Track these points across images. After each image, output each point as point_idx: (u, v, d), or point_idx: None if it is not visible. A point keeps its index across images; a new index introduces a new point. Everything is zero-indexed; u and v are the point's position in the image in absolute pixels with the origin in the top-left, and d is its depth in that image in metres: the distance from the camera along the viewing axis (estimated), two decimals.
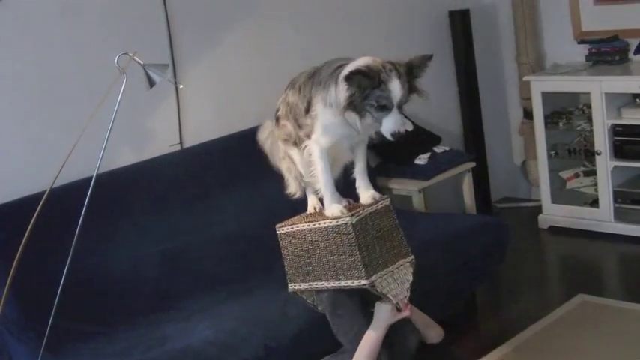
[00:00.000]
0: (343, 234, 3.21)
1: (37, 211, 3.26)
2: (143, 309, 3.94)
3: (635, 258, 5.26)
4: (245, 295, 3.97)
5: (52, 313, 3.25)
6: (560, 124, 5.80)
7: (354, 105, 2.97)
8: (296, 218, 3.47)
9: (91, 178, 3.44)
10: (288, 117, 3.31)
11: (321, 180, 3.25)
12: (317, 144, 3.18)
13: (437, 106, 5.91)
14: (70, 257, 3.42)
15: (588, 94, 5.52)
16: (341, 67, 3.05)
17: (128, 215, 4.17)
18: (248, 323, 3.66)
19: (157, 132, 4.53)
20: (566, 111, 5.86)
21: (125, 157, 4.35)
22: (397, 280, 3.27)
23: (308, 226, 3.34)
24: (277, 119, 3.43)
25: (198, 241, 4.27)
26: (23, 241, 3.22)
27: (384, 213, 3.31)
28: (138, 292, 4.03)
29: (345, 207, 3.28)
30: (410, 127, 5.28)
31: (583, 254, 5.51)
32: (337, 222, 3.22)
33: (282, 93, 3.39)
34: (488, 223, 4.73)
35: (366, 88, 2.92)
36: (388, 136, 2.99)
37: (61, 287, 3.27)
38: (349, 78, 2.92)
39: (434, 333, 3.48)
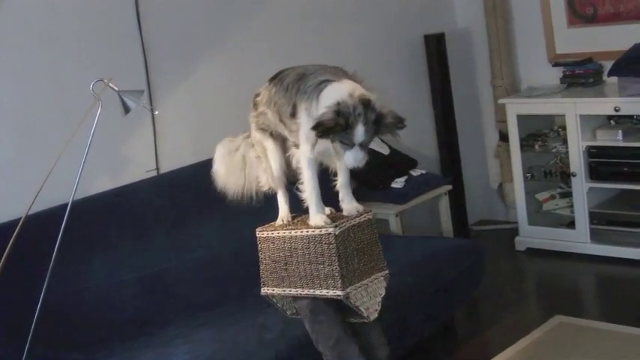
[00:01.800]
0: (325, 244, 3.27)
1: (13, 238, 3.25)
2: (120, 336, 3.92)
3: (612, 279, 5.29)
4: (222, 320, 3.95)
5: (28, 341, 3.23)
6: (536, 147, 5.84)
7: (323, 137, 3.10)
8: (277, 224, 3.51)
9: (67, 204, 3.44)
10: (271, 106, 3.37)
11: (307, 188, 3.32)
12: (304, 154, 3.26)
13: (413, 129, 5.88)
14: (45, 284, 3.41)
15: (563, 116, 5.56)
16: (326, 82, 3.16)
17: (104, 242, 4.15)
18: (225, 348, 3.65)
19: (133, 158, 4.52)
20: (541, 133, 5.90)
21: (101, 183, 4.33)
22: (370, 294, 3.35)
23: (289, 233, 3.40)
24: (255, 104, 3.49)
25: (175, 266, 4.27)
26: None
27: (366, 226, 3.38)
28: (115, 319, 4.01)
29: (328, 216, 3.34)
30: (386, 151, 5.31)
31: (560, 275, 5.53)
32: (320, 231, 3.28)
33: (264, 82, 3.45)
34: (464, 246, 4.75)
35: (332, 133, 3.06)
36: (348, 167, 3.17)
37: (37, 314, 3.26)
38: (316, 128, 3.04)
39: None
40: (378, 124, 3.10)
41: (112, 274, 4.10)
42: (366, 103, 3.07)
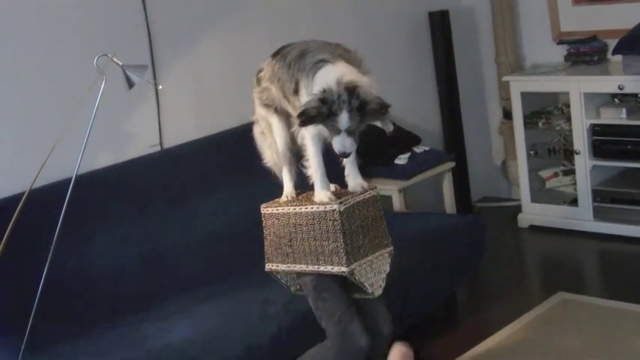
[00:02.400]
0: (329, 220, 3.28)
1: (16, 212, 3.26)
2: (123, 310, 3.94)
3: (614, 256, 5.31)
4: (225, 296, 3.97)
5: (32, 315, 3.25)
6: (540, 124, 5.83)
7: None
8: (282, 200, 3.53)
9: (71, 179, 3.45)
10: (274, 82, 3.39)
11: (312, 164, 3.35)
12: (307, 130, 3.28)
13: (417, 106, 5.94)
14: (49, 258, 3.43)
15: (567, 94, 5.55)
16: (322, 62, 3.18)
17: (108, 216, 4.16)
18: (228, 323, 3.67)
19: (136, 133, 4.53)
20: (545, 111, 5.89)
21: (105, 158, 4.34)
22: (375, 270, 3.37)
23: (294, 209, 3.42)
24: (258, 80, 3.51)
25: (178, 241, 4.28)
26: (2, 242, 3.22)
27: (371, 203, 3.40)
28: (118, 293, 4.03)
29: (333, 193, 3.36)
30: (390, 128, 5.30)
31: (562, 253, 5.54)
32: (325, 208, 3.30)
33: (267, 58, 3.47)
34: (466, 222, 4.76)
35: (315, 121, 3.12)
36: (336, 152, 3.20)
37: (40, 289, 3.28)
38: (300, 116, 3.10)
39: None
40: (362, 110, 3.13)
41: (114, 249, 4.12)
42: (352, 90, 3.09)
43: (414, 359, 3.40)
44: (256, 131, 3.66)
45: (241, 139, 4.54)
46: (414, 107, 5.90)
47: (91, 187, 4.10)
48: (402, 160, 5.24)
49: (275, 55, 3.44)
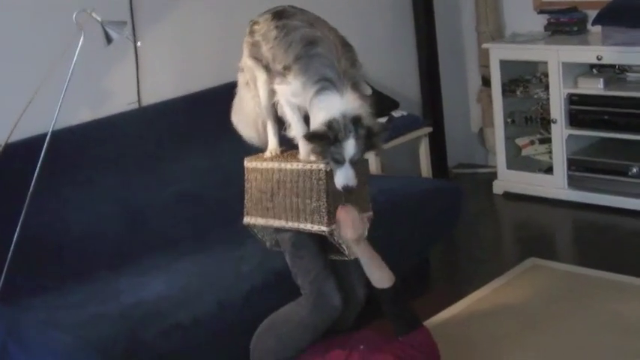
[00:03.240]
0: (314, 179, 3.31)
1: None
2: (98, 265, 3.96)
3: (587, 224, 5.36)
4: (200, 253, 3.99)
5: (5, 268, 3.26)
6: (518, 92, 5.86)
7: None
8: (266, 155, 3.56)
9: (47, 134, 3.45)
10: (267, 44, 3.39)
11: (295, 126, 3.38)
12: (287, 102, 3.34)
13: (396, 71, 5.95)
14: (24, 212, 3.43)
15: (546, 63, 5.58)
16: (328, 83, 3.17)
17: (84, 172, 4.16)
18: (202, 280, 3.70)
19: (114, 90, 4.51)
20: (523, 79, 5.92)
21: (82, 114, 4.33)
22: None
23: (278, 165, 3.45)
24: (252, 32, 3.50)
25: (155, 199, 4.29)
26: None
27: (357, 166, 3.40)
28: (93, 249, 4.04)
29: None
30: (368, 92, 5.30)
31: (536, 220, 5.60)
32: (310, 166, 3.33)
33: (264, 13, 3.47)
34: (442, 186, 4.79)
35: (323, 145, 3.16)
36: (339, 187, 3.22)
37: (14, 243, 3.29)
38: (310, 139, 3.17)
39: (379, 276, 3.49)
40: (370, 137, 3.18)
41: (90, 205, 4.12)
42: (357, 120, 3.14)
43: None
44: (241, 80, 3.66)
45: (220, 98, 4.54)
46: (393, 72, 5.91)
47: (67, 142, 4.10)
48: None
49: (275, 17, 3.41)
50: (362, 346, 3.46)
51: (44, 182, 3.65)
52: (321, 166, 3.29)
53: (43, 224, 3.94)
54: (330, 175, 3.29)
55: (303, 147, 3.38)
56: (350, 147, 3.13)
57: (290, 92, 3.29)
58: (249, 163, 3.59)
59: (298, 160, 3.39)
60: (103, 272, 3.89)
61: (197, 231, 4.25)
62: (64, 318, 3.48)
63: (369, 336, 3.57)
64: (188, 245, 4.12)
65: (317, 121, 3.17)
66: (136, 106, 4.58)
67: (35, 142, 3.77)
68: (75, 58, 3.34)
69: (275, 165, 3.47)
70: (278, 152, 3.58)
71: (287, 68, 3.28)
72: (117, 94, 4.52)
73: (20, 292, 3.67)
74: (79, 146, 4.20)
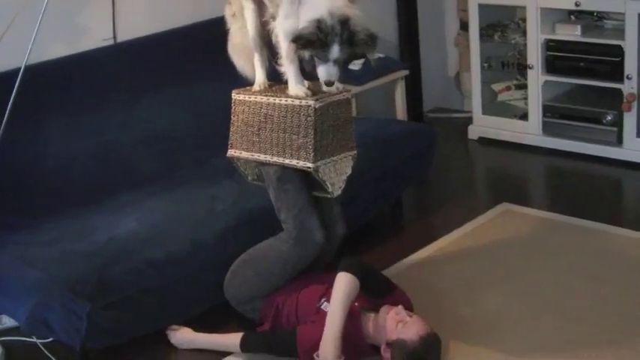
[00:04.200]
0: (303, 115, 3.34)
1: None
2: (71, 202, 3.96)
3: (560, 171, 5.39)
4: (173, 192, 4.00)
5: None
6: (496, 37, 5.85)
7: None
8: (254, 89, 3.56)
9: (20, 68, 3.42)
10: None
11: (286, 60, 3.37)
12: (281, 27, 3.30)
13: (373, 13, 5.86)
14: None
15: (524, 7, 5.56)
16: None
17: (59, 108, 4.14)
18: (176, 218, 3.72)
19: (90, 25, 4.46)
20: (501, 24, 5.90)
21: (57, 49, 4.28)
22: (337, 171, 3.46)
23: (267, 99, 3.46)
24: None
25: (129, 137, 4.28)
26: None
27: (344, 104, 3.46)
28: (66, 186, 4.04)
29: (307, 89, 3.40)
30: (375, 57, 5.28)
31: (510, 165, 5.62)
32: (300, 102, 3.35)
33: None
34: (417, 128, 4.80)
35: (311, 47, 3.14)
36: (320, 81, 3.25)
37: None
38: (297, 41, 3.13)
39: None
40: (351, 42, 3.17)
41: (64, 142, 4.11)
42: (344, 23, 3.12)
43: (359, 262, 3.46)
44: (227, 12, 3.66)
45: (197, 36, 4.54)
46: (370, 14, 5.79)
47: (42, 78, 4.07)
48: (355, 65, 5.24)
49: None
50: None
51: (17, 118, 3.64)
52: (310, 102, 3.31)
53: (16, 161, 3.93)
54: (319, 112, 3.31)
55: (292, 84, 3.39)
56: (335, 51, 3.14)
57: (283, 14, 3.26)
58: (237, 96, 3.59)
59: (287, 96, 3.40)
60: (75, 209, 3.89)
61: (171, 169, 4.25)
62: (37, 255, 3.50)
63: None
64: (162, 183, 4.12)
65: (302, 17, 3.15)
66: (111, 42, 4.54)
67: (8, 76, 3.75)
68: None
69: (264, 99, 3.48)
70: (266, 85, 3.58)
71: None
72: (92, 29, 4.47)
73: None
74: (53, 81, 4.17)
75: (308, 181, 3.51)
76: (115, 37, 4.56)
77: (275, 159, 3.46)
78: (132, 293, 3.38)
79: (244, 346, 3.48)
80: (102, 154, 4.19)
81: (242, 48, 3.65)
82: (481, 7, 5.73)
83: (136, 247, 3.50)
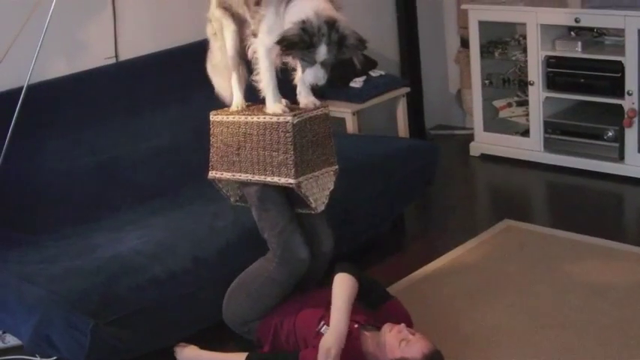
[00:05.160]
0: (281, 131, 3.32)
1: None
2: (73, 219, 3.97)
3: (562, 187, 5.39)
4: (175, 209, 4.01)
5: None
6: (496, 54, 5.87)
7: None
8: (232, 109, 3.55)
9: (22, 87, 3.43)
10: None
11: (264, 77, 3.37)
12: (262, 43, 3.29)
13: (374, 30, 5.92)
14: None
15: (524, 24, 5.58)
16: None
17: (60, 126, 4.15)
18: (177, 235, 3.72)
19: (91, 44, 4.48)
20: (502, 41, 5.92)
21: (59, 68, 4.30)
22: (320, 186, 3.44)
23: (245, 118, 3.46)
24: None
25: (130, 154, 4.29)
26: None
27: (322, 120, 3.44)
28: (68, 203, 4.05)
29: (285, 106, 3.39)
30: (360, 62, 5.30)
31: (511, 182, 5.62)
32: (278, 119, 3.34)
33: None
34: (418, 145, 4.80)
35: (296, 49, 3.12)
36: (306, 84, 3.27)
37: None
38: (281, 42, 3.10)
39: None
40: (341, 45, 3.15)
41: (66, 159, 4.12)
42: (331, 24, 3.11)
43: (355, 266, 3.46)
44: (209, 31, 3.66)
45: (198, 54, 4.52)
46: (371, 31, 5.84)
47: (44, 96, 4.09)
48: (357, 83, 5.26)
49: None
50: None
51: (20, 137, 3.66)
52: (288, 118, 3.30)
53: (18, 178, 3.94)
54: (297, 127, 3.30)
55: (270, 102, 3.38)
56: (322, 52, 3.12)
57: (266, 29, 3.24)
58: (214, 117, 3.60)
59: (265, 113, 3.40)
60: (76, 226, 3.91)
61: (172, 186, 4.26)
62: (39, 272, 3.50)
63: None
64: (163, 200, 4.14)
65: (288, 19, 3.13)
66: (113, 60, 4.56)
67: (11, 95, 3.76)
68: (51, 9, 3.32)
69: (241, 118, 3.48)
70: (244, 106, 3.57)
71: (257, 3, 3.25)
72: (94, 48, 4.49)
73: None
74: (56, 100, 4.18)
75: (291, 198, 3.50)
76: (116, 56, 4.58)
77: (256, 177, 3.45)
78: (135, 310, 3.38)
79: None
80: (103, 172, 4.20)
81: (222, 68, 3.63)
82: (481, 24, 5.76)
83: (138, 264, 3.50)
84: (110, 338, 3.29)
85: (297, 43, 3.09)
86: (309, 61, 3.15)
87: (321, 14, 3.10)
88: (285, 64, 3.40)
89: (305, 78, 3.22)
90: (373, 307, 3.51)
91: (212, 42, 3.65)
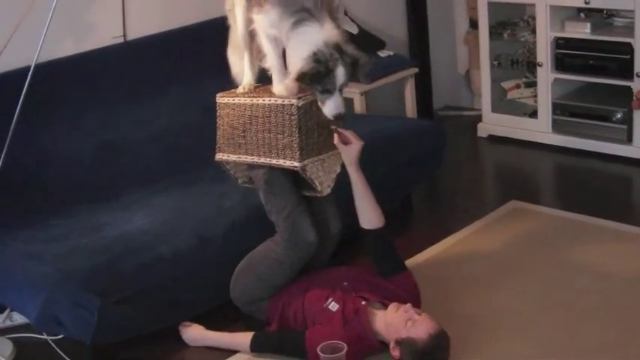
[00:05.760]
0: (286, 114, 3.30)
1: None
2: (80, 199, 3.98)
3: (569, 169, 5.39)
4: (181, 189, 4.02)
5: None
6: (505, 35, 5.85)
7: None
8: (239, 91, 3.53)
9: (30, 67, 3.43)
10: None
11: (270, 58, 3.34)
12: (260, 28, 3.27)
13: (383, 10, 5.92)
14: (6, 145, 3.44)
15: (533, 5, 5.55)
16: (306, 14, 3.13)
17: (68, 106, 4.15)
18: (183, 214, 3.73)
19: (99, 23, 4.47)
20: (511, 22, 5.90)
21: (66, 47, 4.29)
22: (325, 169, 3.43)
23: (251, 100, 3.43)
24: None
25: (138, 134, 4.29)
26: None
27: None
28: (75, 183, 4.05)
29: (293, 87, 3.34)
30: (355, 30, 5.29)
31: (519, 163, 5.62)
32: (283, 101, 3.32)
33: None
34: (426, 126, 4.79)
35: (318, 79, 3.12)
36: (330, 117, 3.20)
37: None
38: (302, 79, 3.11)
39: (370, 216, 3.56)
40: (355, 65, 3.17)
41: (73, 139, 4.12)
42: (340, 48, 3.12)
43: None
44: (226, 7, 3.61)
45: (206, 35, 4.55)
46: (380, 11, 5.88)
47: (51, 76, 4.07)
48: None
49: None
50: (345, 283, 3.51)
51: (27, 116, 3.66)
52: (293, 101, 3.28)
53: (26, 158, 3.95)
54: (302, 110, 3.28)
55: (277, 82, 3.36)
56: (340, 74, 3.12)
57: (267, 22, 3.23)
58: (220, 99, 3.58)
59: (271, 95, 3.37)
60: (84, 206, 3.92)
61: (179, 166, 4.26)
62: (46, 251, 3.52)
63: (352, 273, 3.62)
64: (170, 180, 4.14)
65: (298, 55, 3.13)
66: (121, 40, 4.54)
67: (18, 75, 3.76)
68: None
69: (247, 100, 3.45)
70: (252, 88, 3.55)
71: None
72: (102, 27, 4.47)
73: (4, 225, 3.69)
74: (64, 79, 4.18)
75: (298, 181, 3.50)
76: (125, 35, 4.57)
77: (262, 160, 3.44)
78: (141, 288, 3.40)
79: (254, 346, 3.49)
80: (110, 152, 4.21)
81: (236, 46, 3.62)
82: (490, 5, 5.73)
83: (145, 243, 3.52)
84: (117, 317, 3.32)
85: (318, 74, 3.09)
86: (330, 89, 3.14)
87: (329, 42, 3.11)
88: None
89: (327, 111, 3.18)
90: (385, 275, 3.51)
91: (230, 19, 3.61)
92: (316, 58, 3.09)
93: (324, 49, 3.10)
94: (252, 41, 3.48)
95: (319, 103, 3.21)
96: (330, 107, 3.17)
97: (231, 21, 3.61)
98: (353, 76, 3.22)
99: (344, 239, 3.77)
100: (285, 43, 3.20)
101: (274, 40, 3.28)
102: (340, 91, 3.17)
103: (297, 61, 3.13)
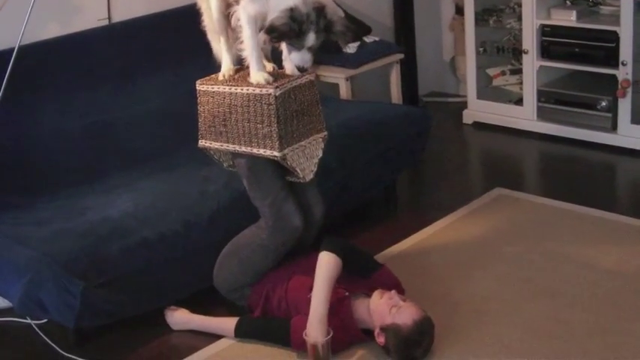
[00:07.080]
0: (264, 104, 3.28)
1: None
2: (65, 182, 3.96)
3: (554, 156, 5.39)
4: (166, 172, 4.00)
5: None
6: (491, 22, 5.84)
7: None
8: (220, 78, 3.51)
9: (14, 48, 3.40)
10: None
11: (248, 45, 3.30)
12: (245, 11, 3.23)
13: None
14: None
15: None
16: None
17: (52, 88, 4.13)
18: (168, 198, 3.71)
19: (84, 5, 4.44)
20: (497, 9, 5.90)
21: (51, 29, 4.27)
22: (307, 155, 3.41)
23: (229, 89, 3.40)
24: None
25: (123, 117, 4.28)
26: None
27: (308, 87, 3.40)
28: (60, 166, 4.04)
29: (270, 73, 3.34)
30: (341, 15, 5.27)
31: (504, 150, 5.62)
32: (260, 91, 3.29)
33: None
34: (411, 112, 4.77)
35: (285, 38, 3.14)
36: (295, 65, 3.23)
37: None
38: (270, 33, 3.10)
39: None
40: (328, 31, 3.16)
41: (58, 121, 4.10)
42: (319, 10, 3.11)
43: (341, 241, 3.47)
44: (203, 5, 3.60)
45: (192, 17, 4.50)
46: None
47: (35, 58, 4.06)
48: (351, 48, 5.22)
49: None
50: None
51: (11, 97, 3.63)
52: (271, 90, 3.26)
53: (10, 140, 3.93)
54: (280, 99, 3.26)
55: (254, 70, 3.33)
56: (310, 39, 3.13)
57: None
58: (200, 86, 3.55)
59: (249, 84, 3.34)
60: (68, 189, 3.90)
61: (164, 150, 4.25)
62: (29, 234, 3.50)
63: None
64: (155, 164, 4.12)
65: (276, 7, 3.10)
66: (106, 22, 4.51)
67: (2, 56, 3.74)
68: None
69: (226, 89, 3.42)
70: (231, 73, 3.51)
71: None
72: (87, 9, 4.45)
73: None
74: (48, 61, 4.15)
75: (281, 166, 3.47)
76: (109, 18, 4.54)
77: (244, 149, 3.42)
78: (125, 272, 3.39)
79: (238, 331, 3.49)
80: (95, 134, 4.19)
81: (212, 31, 3.58)
82: None
83: (129, 226, 3.50)
84: (100, 301, 3.31)
85: (286, 33, 3.09)
86: (297, 47, 3.15)
87: (309, 1, 3.09)
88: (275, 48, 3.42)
89: (292, 60, 3.21)
90: (364, 276, 3.52)
91: (199, 3, 3.58)
92: (292, 14, 3.08)
93: (302, 8, 3.08)
94: (228, 25, 3.45)
95: (286, 52, 3.25)
96: (294, 59, 3.20)
97: (202, 5, 3.57)
98: (328, 40, 3.21)
99: (326, 225, 3.77)
100: (267, 13, 3.15)
101: (255, 23, 3.24)
102: (309, 49, 3.16)
103: (274, 13, 3.11)
